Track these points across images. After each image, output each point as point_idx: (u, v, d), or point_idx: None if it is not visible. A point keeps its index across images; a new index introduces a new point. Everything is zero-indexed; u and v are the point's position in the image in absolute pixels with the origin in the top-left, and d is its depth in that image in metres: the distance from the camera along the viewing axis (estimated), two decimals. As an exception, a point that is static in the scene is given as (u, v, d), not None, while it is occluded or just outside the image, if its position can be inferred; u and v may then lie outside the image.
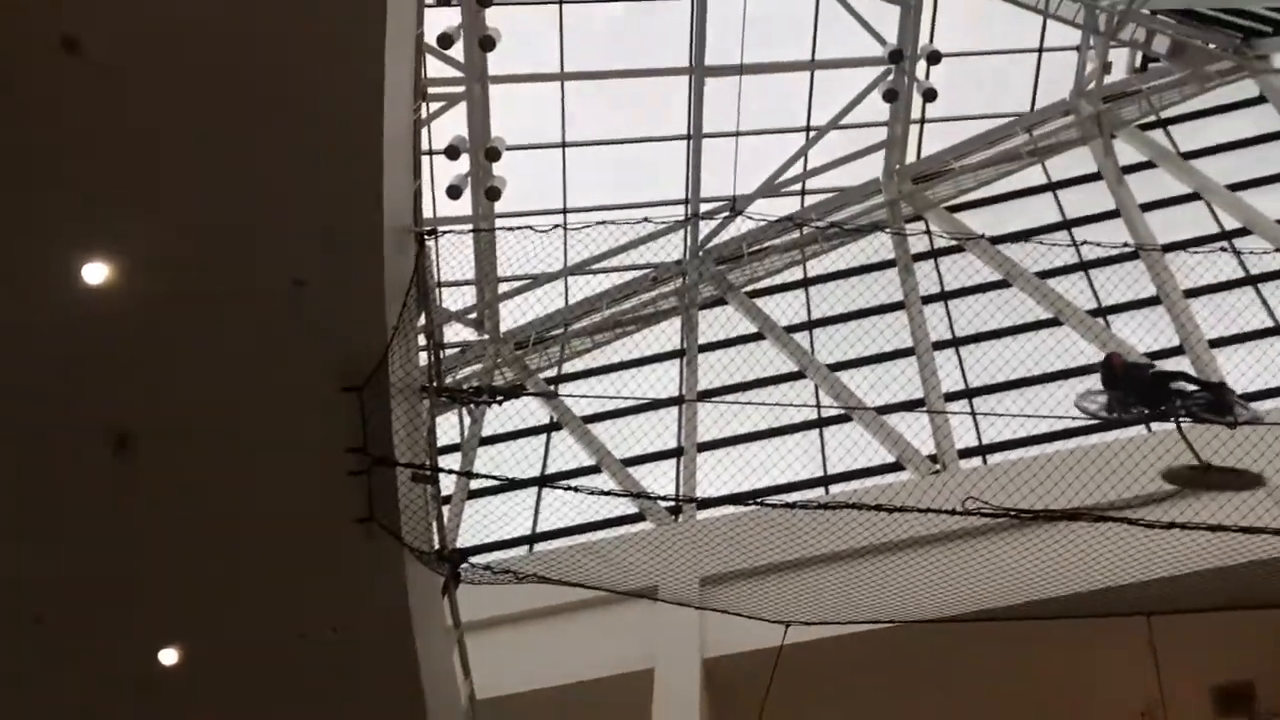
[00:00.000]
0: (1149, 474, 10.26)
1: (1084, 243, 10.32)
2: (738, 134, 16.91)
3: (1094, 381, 12.89)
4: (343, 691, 8.27)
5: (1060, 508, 9.93)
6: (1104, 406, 9.76)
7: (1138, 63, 19.16)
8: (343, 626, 8.05)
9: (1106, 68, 18.34)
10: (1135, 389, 9.77)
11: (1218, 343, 14.39)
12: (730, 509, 11.01)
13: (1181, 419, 9.28)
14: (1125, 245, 10.90)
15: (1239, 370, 13.59)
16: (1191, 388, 9.68)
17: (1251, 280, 15.01)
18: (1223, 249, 10.06)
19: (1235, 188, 16.56)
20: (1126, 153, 17.87)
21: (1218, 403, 9.35)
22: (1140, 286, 15.02)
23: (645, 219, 9.30)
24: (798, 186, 18.31)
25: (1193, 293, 14.92)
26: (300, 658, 8.15)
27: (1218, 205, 16.58)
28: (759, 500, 8.23)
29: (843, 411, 14.62)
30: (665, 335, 15.94)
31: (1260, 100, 18.07)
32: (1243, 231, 16.05)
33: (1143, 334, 14.47)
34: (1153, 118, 18.28)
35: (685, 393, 15.59)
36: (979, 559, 9.73)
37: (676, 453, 15.07)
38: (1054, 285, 15.63)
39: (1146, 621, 8.82)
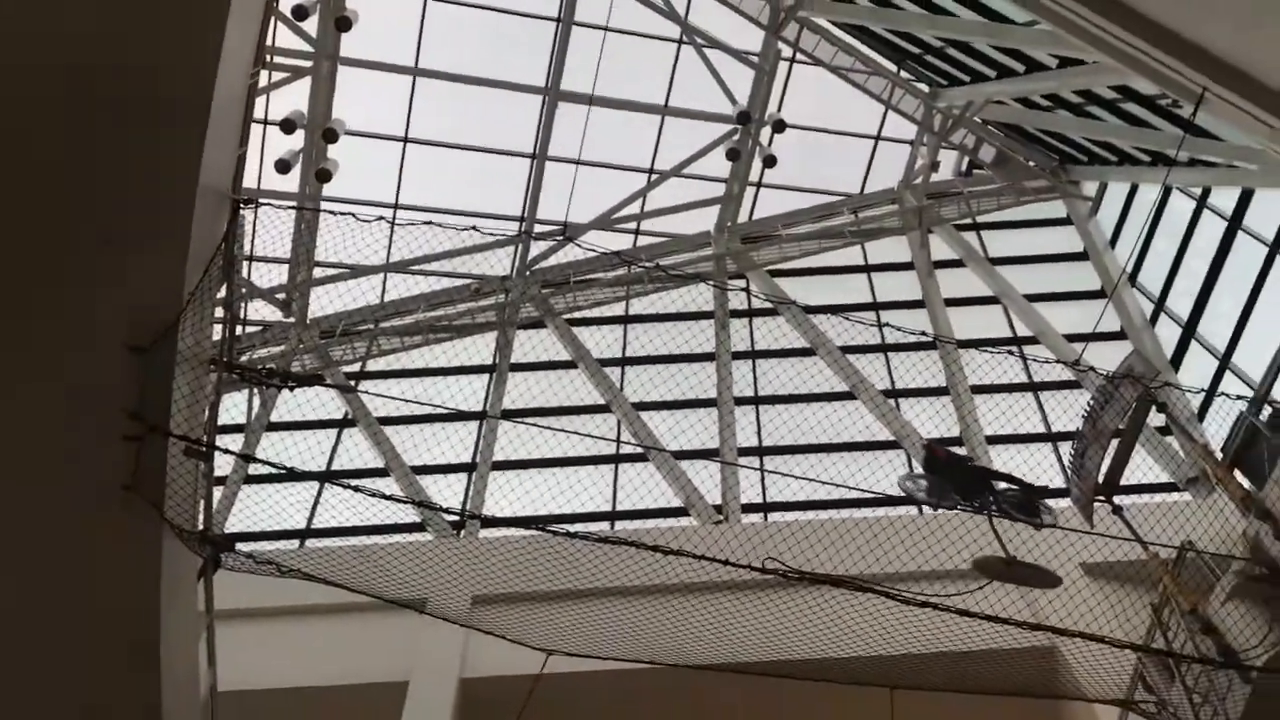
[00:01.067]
0: (913, 552, 10.82)
1: (886, 325, 10.78)
2: (579, 162, 17.02)
3: (890, 459, 13.55)
4: (76, 661, 7.75)
5: (827, 573, 10.36)
6: (924, 490, 10.29)
7: (963, 166, 20.31)
8: (84, 593, 7.58)
9: (934, 166, 19.34)
10: (954, 478, 10.35)
11: (994, 439, 15.33)
12: (513, 531, 10.94)
13: (993, 513, 9.89)
14: (923, 334, 11.48)
15: (1009, 468, 14.52)
16: (1004, 485, 10.34)
17: (1033, 387, 16.07)
18: (1010, 353, 10.72)
19: (1032, 298, 17.74)
20: (940, 248, 18.88)
21: (1026, 503, 10.03)
22: (931, 375, 15.85)
23: (474, 228, 9.21)
24: (632, 225, 18.54)
25: (979, 389, 15.86)
26: (36, 619, 7.61)
27: (1014, 311, 17.71)
28: (542, 526, 8.19)
29: (640, 450, 14.78)
30: (476, 348, 15.78)
31: (1066, 221, 19.47)
32: (1032, 339, 17.22)
33: (926, 420, 15.25)
34: (968, 220, 19.37)
35: (489, 408, 15.46)
36: (744, 612, 10.00)
37: (469, 467, 14.90)
38: (854, 361, 16.32)
39: (889, 694, 9.18)
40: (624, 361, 16.43)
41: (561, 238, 15.70)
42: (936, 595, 8.53)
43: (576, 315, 17.18)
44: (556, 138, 17.36)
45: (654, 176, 18.11)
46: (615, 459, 14.93)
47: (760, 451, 15.36)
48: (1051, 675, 10.37)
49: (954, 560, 10.90)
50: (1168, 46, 7.34)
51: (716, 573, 9.57)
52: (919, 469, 10.89)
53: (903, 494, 10.70)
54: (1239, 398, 10.60)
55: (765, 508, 14.49)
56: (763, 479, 14.52)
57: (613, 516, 14.30)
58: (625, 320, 17.08)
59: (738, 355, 16.66)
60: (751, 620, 9.87)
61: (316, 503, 13.82)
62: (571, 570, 10.40)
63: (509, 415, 15.15)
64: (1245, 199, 15.11)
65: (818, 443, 15.07)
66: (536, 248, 17.62)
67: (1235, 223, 15.26)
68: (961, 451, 13.57)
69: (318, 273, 16.90)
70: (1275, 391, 10.90)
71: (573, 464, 14.64)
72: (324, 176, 15.75)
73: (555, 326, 16.96)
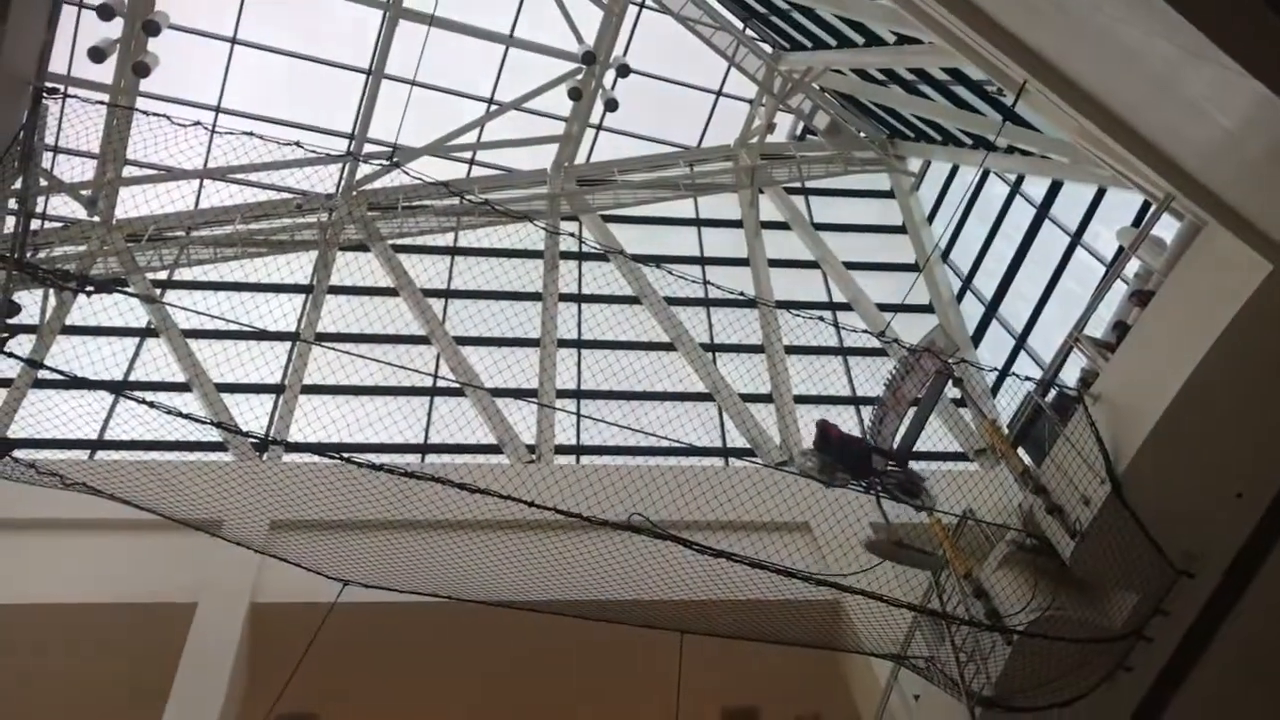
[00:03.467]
0: (714, 503, 11.13)
1: (710, 283, 10.96)
2: (415, 83, 16.53)
3: (703, 410, 13.82)
4: None
5: (635, 519, 10.55)
6: (817, 467, 10.57)
7: (798, 131, 20.72)
8: None
9: (770, 127, 19.65)
10: (844, 458, 10.63)
11: (802, 399, 15.86)
12: (317, 458, 10.67)
13: (879, 493, 10.27)
14: (742, 294, 11.73)
15: (813, 426, 15.10)
16: (890, 465, 10.70)
17: (842, 351, 16.68)
18: (821, 318, 11.08)
19: (850, 266, 18.34)
20: (768, 209, 19.27)
21: (908, 485, 10.43)
22: (750, 332, 16.24)
23: (297, 143, 8.84)
24: (467, 155, 18.21)
25: (793, 350, 16.35)
26: None
27: (831, 277, 18.28)
28: (346, 457, 8.03)
29: (457, 385, 14.62)
30: (294, 267, 15.23)
31: (889, 194, 20.15)
32: (846, 306, 17.83)
33: (741, 374, 15.63)
34: (798, 184, 19.82)
35: (301, 330, 14.98)
36: (545, 552, 10.09)
37: (277, 389, 14.44)
38: (678, 312, 16.55)
39: (679, 638, 9.45)
40: (448, 294, 16.18)
41: (390, 162, 15.20)
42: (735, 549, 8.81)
43: (402, 242, 16.77)
44: (395, 56, 16.82)
45: (493, 108, 17.78)
46: (431, 392, 14.75)
47: (578, 395, 15.45)
48: (834, 629, 10.87)
49: (753, 511, 11.31)
50: (996, 39, 7.63)
51: (522, 511, 9.64)
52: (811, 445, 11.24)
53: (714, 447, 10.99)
54: (1028, 379, 11.25)
55: (578, 450, 14.60)
56: (578, 423, 14.62)
57: (424, 449, 14.15)
58: (452, 252, 16.78)
59: (564, 298, 16.64)
60: (552, 561, 9.97)
61: (110, 415, 13.15)
62: (375, 501, 10.25)
63: (323, 339, 14.74)
64: (1054, 190, 15.99)
65: (635, 390, 15.27)
66: (365, 168, 17.10)
67: (1043, 211, 16.13)
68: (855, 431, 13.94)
69: (128, 172, 15.94)
70: (1061, 375, 11.60)
71: (386, 394, 14.40)
72: (141, 70, 14.84)
73: (379, 251, 16.52)
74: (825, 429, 10.92)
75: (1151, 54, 5.34)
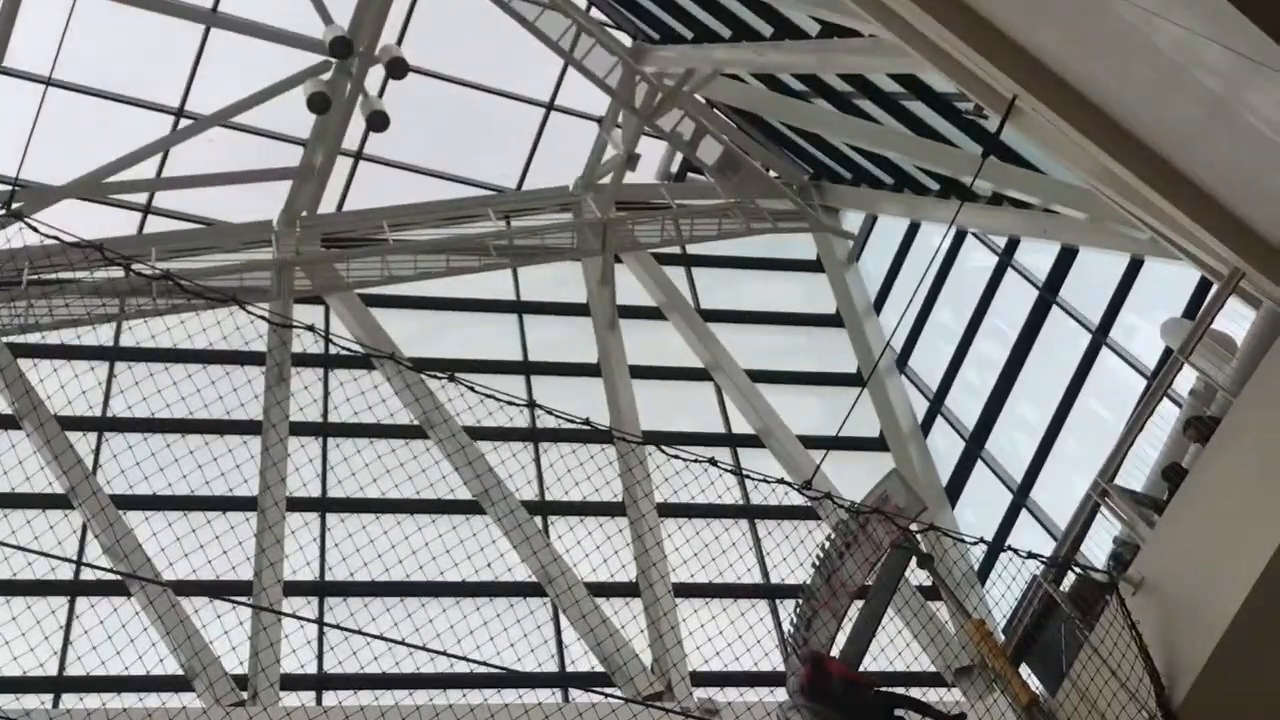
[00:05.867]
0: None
1: (538, 405, 10.84)
2: (49, 82, 16.13)
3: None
4: None
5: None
6: None
7: (674, 167, 21.03)
8: None
9: (632, 160, 19.78)
10: (851, 709, 10.52)
11: (685, 590, 15.79)
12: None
13: None
14: (588, 422, 11.61)
15: (706, 633, 15.04)
16: None
17: (748, 513, 16.73)
18: (714, 462, 11.04)
19: (759, 376, 18.49)
20: (630, 286, 19.42)
21: None
22: (604, 481, 16.14)
23: None
24: (142, 198, 17.93)
25: (670, 510, 16.28)
26: None
27: (730, 395, 18.38)
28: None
29: (115, 577, 14.15)
30: None
31: (816, 265, 20.51)
32: (752, 440, 17.92)
33: (592, 550, 15.46)
34: (676, 249, 20.03)
35: None
36: None
37: None
38: (489, 453, 16.37)
39: None
40: (103, 424, 15.71)
41: (4, 210, 14.72)
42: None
43: (27, 339, 16.22)
44: (22, 46, 16.55)
45: (183, 123, 17.61)
46: (72, 589, 14.19)
47: (321, 591, 15.15)
48: None
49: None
50: (973, 35, 7.86)
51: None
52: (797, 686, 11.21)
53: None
54: (1032, 555, 11.41)
55: (320, 682, 14.23)
56: (320, 635, 14.23)
57: (59, 685, 13.58)
58: (112, 357, 16.37)
59: (300, 429, 16.32)
60: None
61: None
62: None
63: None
64: (1065, 260, 16.50)
65: (417, 580, 14.96)
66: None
67: (1049, 292, 16.63)
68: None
69: None
70: (1084, 548, 11.83)
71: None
72: None
73: (-7, 360, 15.98)
74: (821, 665, 10.90)
75: (1201, 63, 5.54)
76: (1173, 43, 5.60)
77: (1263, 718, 8.91)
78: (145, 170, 17.60)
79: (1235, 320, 11.35)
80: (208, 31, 17.50)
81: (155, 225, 18.16)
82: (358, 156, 18.83)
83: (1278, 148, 5.89)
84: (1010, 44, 7.76)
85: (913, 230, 19.57)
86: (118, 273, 14.99)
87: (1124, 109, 7.60)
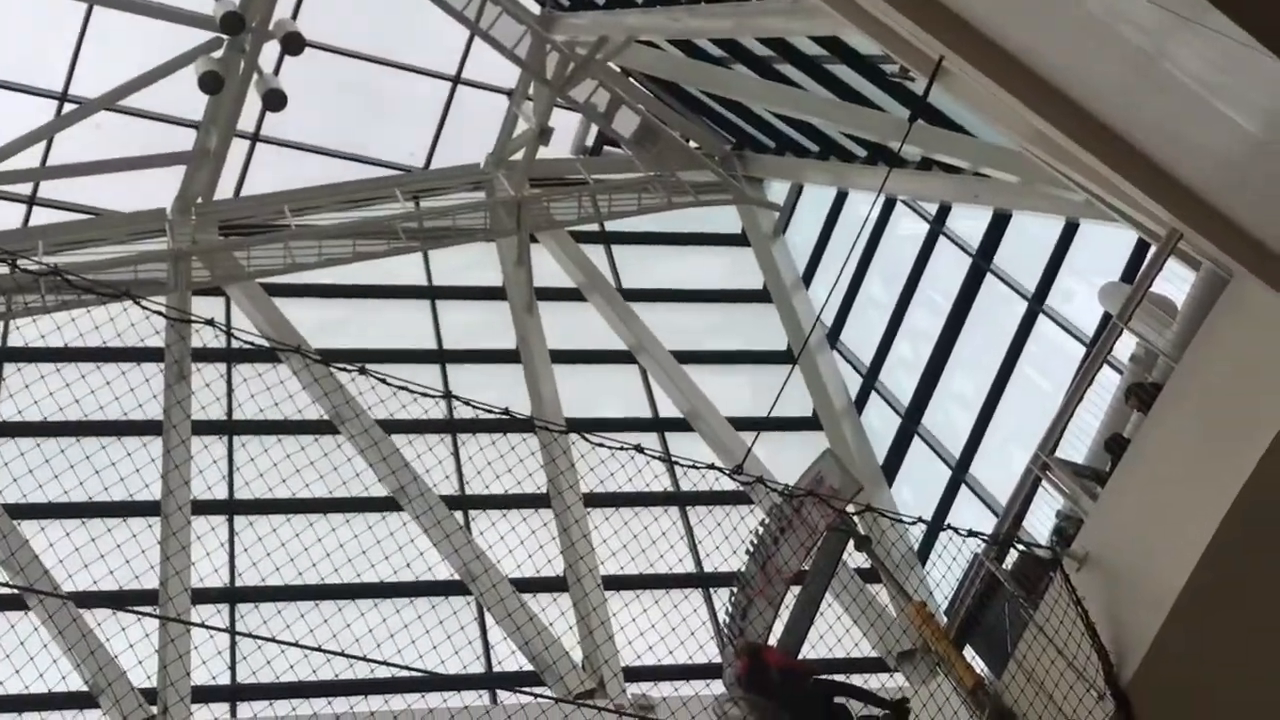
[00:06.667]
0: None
1: (454, 395, 10.84)
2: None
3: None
4: None
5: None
6: (750, 717, 10.43)
7: (589, 140, 21.04)
8: None
9: (545, 134, 19.79)
10: (791, 699, 10.53)
11: (617, 582, 15.86)
12: None
13: None
14: (506, 412, 11.62)
15: (638, 627, 15.11)
16: (865, 712, 10.63)
17: (679, 499, 16.80)
18: (638, 449, 11.05)
19: (685, 356, 18.55)
20: (547, 267, 19.43)
21: None
22: (522, 474, 16.14)
23: None
24: (26, 188, 17.75)
25: (596, 500, 16.34)
26: None
27: (656, 378, 18.44)
28: None
29: (12, 591, 14.05)
30: None
31: (741, 239, 20.58)
32: (680, 423, 18.00)
33: (516, 545, 15.48)
34: (594, 226, 20.04)
35: None
36: None
37: None
38: (403, 446, 16.36)
39: None
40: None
41: None
42: None
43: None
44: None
45: (68, 108, 17.47)
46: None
47: (231, 598, 15.12)
48: None
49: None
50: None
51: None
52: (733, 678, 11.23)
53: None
54: (972, 533, 11.49)
55: (235, 693, 14.19)
56: (233, 644, 14.20)
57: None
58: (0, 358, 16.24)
59: (202, 428, 16.25)
60: None
61: None
62: None
63: None
64: (998, 225, 16.63)
65: (334, 583, 14.95)
66: None
67: (983, 259, 16.75)
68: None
69: None
70: (1026, 524, 11.92)
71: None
72: None
73: None
74: (758, 655, 10.95)
75: (1131, 20, 5.59)
76: (1115, 4, 5.66)
77: (1214, 693, 9.02)
78: (29, 159, 17.43)
79: (1175, 283, 11.46)
80: (90, 9, 17.33)
81: (41, 217, 18.00)
82: (254, 138, 18.72)
83: (1206, 103, 5.95)
84: (935, 3, 7.81)
85: (840, 199, 19.67)
86: (2, 269, 14.88)
87: (1053, 68, 7.67)
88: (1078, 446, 12.04)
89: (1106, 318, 13.19)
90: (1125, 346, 12.16)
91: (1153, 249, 11.69)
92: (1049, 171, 12.72)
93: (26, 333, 16.28)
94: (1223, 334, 9.82)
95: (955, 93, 11.38)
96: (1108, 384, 12.23)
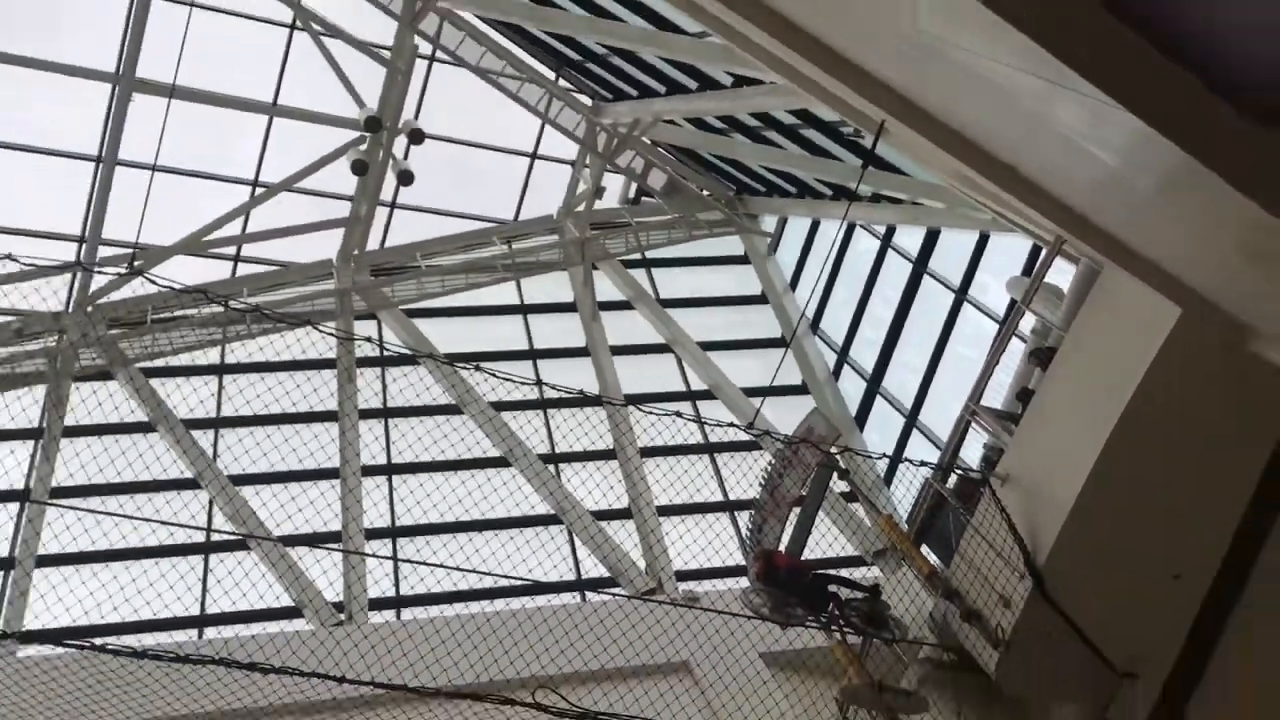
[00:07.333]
0: (572, 650, 10.95)
1: (544, 381, 10.89)
2: (156, 168, 15.98)
3: (552, 535, 13.73)
4: None
5: (477, 681, 10.33)
6: (769, 605, 10.47)
7: (631, 193, 21.10)
8: None
9: (599, 191, 19.93)
10: (797, 590, 10.58)
11: (668, 510, 15.87)
12: (62, 649, 10.06)
13: (840, 628, 10.22)
14: (582, 393, 11.73)
15: (684, 542, 15.14)
16: (850, 594, 10.68)
17: (709, 449, 16.83)
18: (678, 414, 11.13)
19: (707, 346, 18.60)
20: (606, 287, 19.46)
21: (874, 614, 10.43)
22: (598, 435, 16.22)
23: (9, 256, 8.46)
24: (232, 250, 17.84)
25: (650, 452, 16.39)
26: None
27: (687, 362, 18.49)
28: (99, 643, 7.60)
29: (238, 536, 14.10)
30: (17, 407, 14.51)
31: (744, 260, 20.61)
32: (708, 394, 18.03)
33: (591, 487, 15.56)
34: (637, 255, 20.10)
35: (31, 488, 14.24)
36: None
37: (5, 564, 13.65)
38: (509, 419, 16.42)
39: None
40: (218, 423, 15.66)
41: (129, 269, 14.70)
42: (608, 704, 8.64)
43: (156, 364, 16.19)
44: (133, 140, 16.42)
45: (259, 191, 17.54)
46: (205, 549, 14.16)
47: (393, 534, 15.10)
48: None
49: (619, 655, 11.16)
50: (844, 74, 7.90)
51: (332, 689, 9.29)
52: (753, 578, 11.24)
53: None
54: (923, 464, 11.51)
55: (399, 603, 14.23)
56: (395, 569, 14.26)
57: (201, 622, 13.55)
58: (220, 371, 16.30)
59: (365, 414, 16.33)
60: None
61: None
62: (143, 696, 9.71)
63: (60, 495, 14.03)
64: (931, 240, 16.63)
65: (464, 520, 15.03)
66: (104, 276, 16.47)
67: (920, 265, 16.74)
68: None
69: None
70: (962, 455, 11.93)
71: (147, 556, 13.76)
72: None
73: (126, 377, 15.91)
74: (771, 558, 10.96)
75: (1019, 88, 5.60)
76: (997, 74, 5.66)
77: (1099, 566, 9.02)
78: (233, 228, 17.57)
79: (1061, 274, 11.43)
80: (271, 120, 17.46)
81: (244, 269, 18.11)
82: (392, 205, 18.79)
83: (1079, 145, 5.97)
84: (876, 82, 7.80)
85: (814, 226, 19.68)
86: (218, 308, 15.02)
87: (965, 124, 7.66)
88: (997, 397, 12.03)
89: (1012, 303, 13.17)
90: (1027, 323, 12.14)
91: (1044, 251, 11.66)
92: (966, 199, 12.71)
93: (238, 353, 16.45)
94: (1098, 310, 9.80)
95: (896, 146, 11.38)
96: (1016, 351, 12.21)
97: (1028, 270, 13.78)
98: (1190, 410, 8.84)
